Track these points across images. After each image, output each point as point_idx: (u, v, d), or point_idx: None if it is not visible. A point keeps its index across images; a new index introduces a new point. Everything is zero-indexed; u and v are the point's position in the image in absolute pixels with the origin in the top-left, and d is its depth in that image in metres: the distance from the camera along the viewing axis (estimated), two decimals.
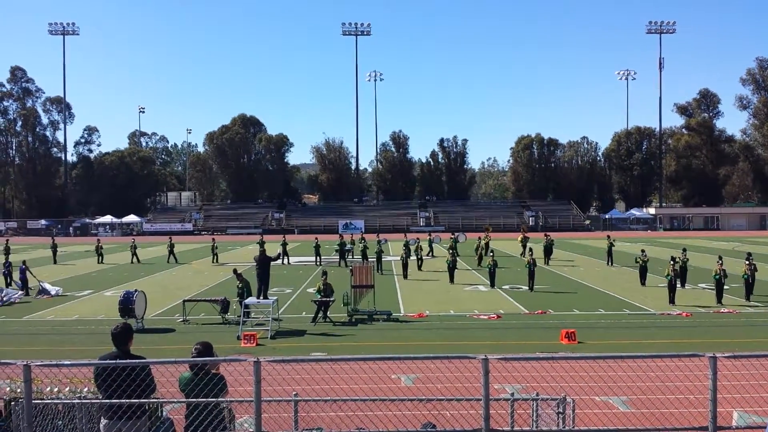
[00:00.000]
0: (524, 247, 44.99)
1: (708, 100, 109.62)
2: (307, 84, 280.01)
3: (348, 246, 42.00)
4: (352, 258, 41.60)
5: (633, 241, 61.71)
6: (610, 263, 38.48)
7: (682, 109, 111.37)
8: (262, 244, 41.58)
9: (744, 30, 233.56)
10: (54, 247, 44.01)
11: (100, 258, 42.72)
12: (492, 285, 28.55)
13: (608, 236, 41.94)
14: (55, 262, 42.49)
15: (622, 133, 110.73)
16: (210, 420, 6.21)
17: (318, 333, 19.08)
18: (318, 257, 40.42)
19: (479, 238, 42.17)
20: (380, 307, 22.04)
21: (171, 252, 43.01)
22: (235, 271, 22.71)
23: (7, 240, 45.76)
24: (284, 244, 41.84)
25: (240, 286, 21.18)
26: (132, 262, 41.94)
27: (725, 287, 24.22)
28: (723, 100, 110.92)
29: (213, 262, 41.48)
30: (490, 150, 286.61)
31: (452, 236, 49.98)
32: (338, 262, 39.56)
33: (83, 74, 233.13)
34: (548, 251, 39.54)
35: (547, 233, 45.92)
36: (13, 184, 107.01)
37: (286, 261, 40.52)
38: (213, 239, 46.18)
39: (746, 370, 12.08)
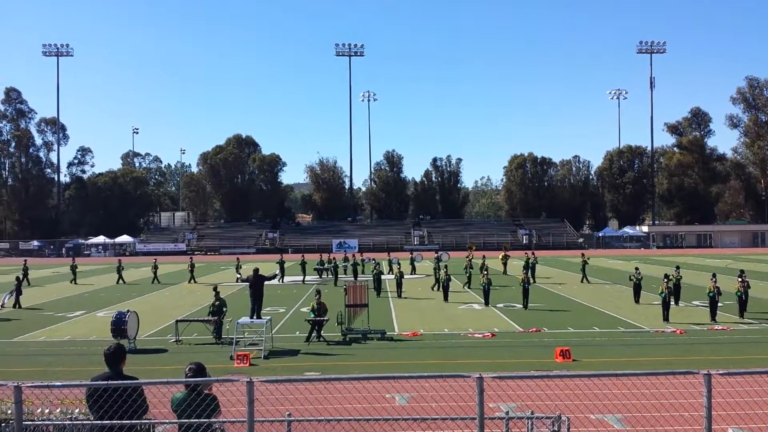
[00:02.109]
0: (505, 265, 45.29)
1: (699, 119, 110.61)
2: (302, 104, 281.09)
3: (327, 265, 42.24)
4: (329, 276, 41.95)
5: (626, 259, 61.84)
6: (584, 280, 38.61)
7: (673, 128, 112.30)
8: (282, 264, 41.57)
9: (734, 49, 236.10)
10: (74, 267, 43.73)
11: (121, 279, 42.35)
12: (486, 303, 28.52)
13: (582, 254, 42.08)
14: (75, 282, 42.28)
15: (614, 152, 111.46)
16: None
17: (312, 352, 18.98)
18: (336, 276, 40.08)
19: (484, 257, 41.95)
20: (374, 326, 21.95)
21: (192, 271, 42.20)
22: (214, 288, 22.39)
23: (25, 261, 45.73)
24: (303, 264, 41.91)
25: (216, 304, 21.00)
26: (153, 282, 41.74)
27: (719, 304, 24.26)
28: (714, 118, 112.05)
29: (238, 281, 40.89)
30: (483, 169, 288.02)
31: (436, 255, 50.11)
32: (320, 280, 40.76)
33: (77, 95, 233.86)
34: (533, 269, 39.65)
35: (532, 252, 46.00)
36: (5, 204, 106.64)
37: (303, 280, 40.78)
38: (238, 258, 45.70)
39: (741, 387, 12.07)
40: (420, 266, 49.38)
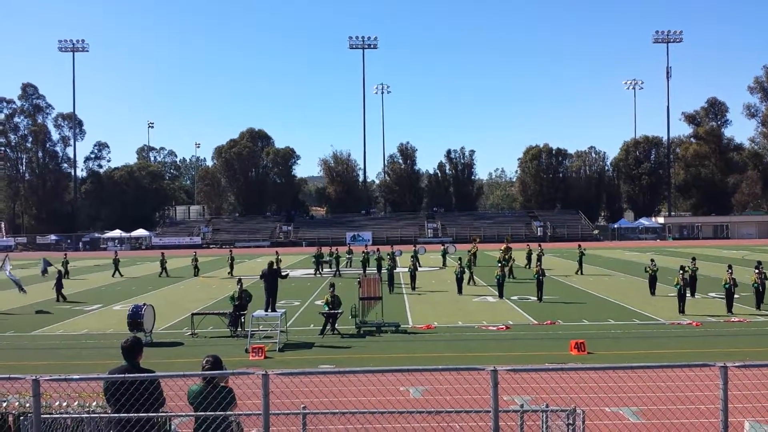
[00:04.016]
0: (507, 257, 44.96)
1: (716, 109, 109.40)
2: (315, 97, 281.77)
3: (326, 258, 42.26)
4: (328, 269, 41.90)
5: (642, 251, 61.46)
6: (580, 272, 38.56)
7: (690, 118, 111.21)
8: (319, 257, 41.89)
9: (751, 38, 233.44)
10: (116, 261, 44.13)
11: (164, 271, 42.63)
12: (500, 296, 28.46)
13: (579, 245, 41.87)
14: (121, 275, 42.77)
15: (631, 143, 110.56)
16: None
17: (326, 345, 19.05)
18: (364, 268, 39.79)
19: (510, 248, 41.73)
20: (388, 318, 22.00)
21: (231, 264, 42.67)
22: (239, 281, 22.59)
23: (65, 254, 46.29)
24: (337, 257, 41.90)
25: (242, 296, 21.04)
26: (195, 275, 42.11)
27: (735, 296, 24.06)
28: (731, 108, 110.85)
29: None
30: (497, 161, 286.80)
31: (443, 247, 49.93)
32: (314, 273, 40.93)
33: (93, 90, 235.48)
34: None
35: (538, 244, 45.68)
36: (23, 199, 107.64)
37: (338, 272, 40.46)
38: (276, 252, 45.91)
39: (757, 379, 12.00)
40: (428, 259, 49.37)
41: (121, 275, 42.86)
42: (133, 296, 31.64)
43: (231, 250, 46.36)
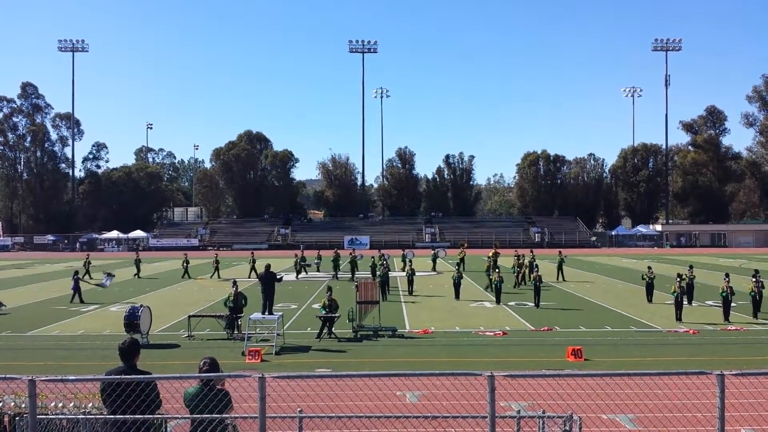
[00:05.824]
0: (495, 262, 44.91)
1: (714, 117, 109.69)
2: (314, 100, 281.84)
3: (309, 261, 42.31)
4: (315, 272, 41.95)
5: (639, 258, 61.50)
6: (560, 278, 38.55)
7: (688, 126, 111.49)
8: (337, 260, 41.60)
9: (750, 47, 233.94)
10: (138, 261, 44.13)
11: (186, 273, 42.80)
12: (498, 301, 28.44)
13: (560, 252, 41.89)
14: (138, 276, 42.72)
15: (629, 150, 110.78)
16: None
17: (323, 349, 19.02)
18: (373, 274, 39.86)
19: (522, 255, 41.68)
20: (385, 323, 21.96)
21: (253, 267, 42.19)
22: (234, 282, 22.59)
23: (88, 255, 46.23)
24: (353, 260, 41.93)
25: (232, 298, 21.14)
26: (212, 277, 42.14)
27: (732, 304, 24.09)
28: (729, 117, 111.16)
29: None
30: (496, 166, 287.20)
31: (433, 251, 49.89)
32: (296, 276, 41.45)
33: (92, 90, 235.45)
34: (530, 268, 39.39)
35: (530, 250, 45.53)
36: (20, 199, 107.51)
37: (352, 276, 40.03)
38: (296, 255, 45.60)
39: (754, 387, 12.00)
40: (424, 263, 49.29)
41: (139, 276, 42.74)
42: (130, 297, 31.55)
43: (252, 253, 46.42)
